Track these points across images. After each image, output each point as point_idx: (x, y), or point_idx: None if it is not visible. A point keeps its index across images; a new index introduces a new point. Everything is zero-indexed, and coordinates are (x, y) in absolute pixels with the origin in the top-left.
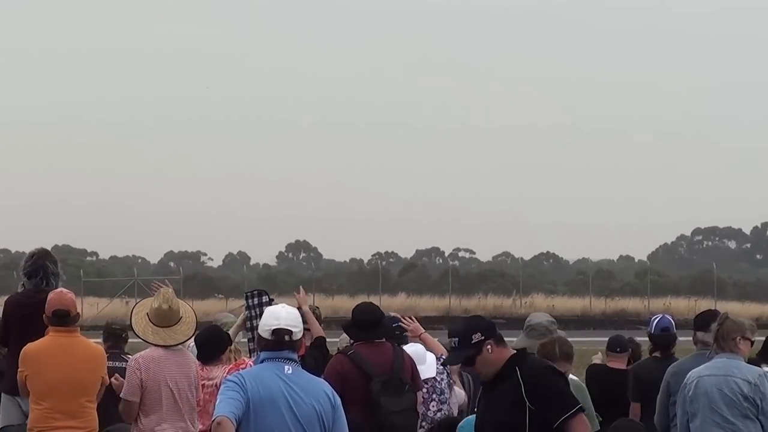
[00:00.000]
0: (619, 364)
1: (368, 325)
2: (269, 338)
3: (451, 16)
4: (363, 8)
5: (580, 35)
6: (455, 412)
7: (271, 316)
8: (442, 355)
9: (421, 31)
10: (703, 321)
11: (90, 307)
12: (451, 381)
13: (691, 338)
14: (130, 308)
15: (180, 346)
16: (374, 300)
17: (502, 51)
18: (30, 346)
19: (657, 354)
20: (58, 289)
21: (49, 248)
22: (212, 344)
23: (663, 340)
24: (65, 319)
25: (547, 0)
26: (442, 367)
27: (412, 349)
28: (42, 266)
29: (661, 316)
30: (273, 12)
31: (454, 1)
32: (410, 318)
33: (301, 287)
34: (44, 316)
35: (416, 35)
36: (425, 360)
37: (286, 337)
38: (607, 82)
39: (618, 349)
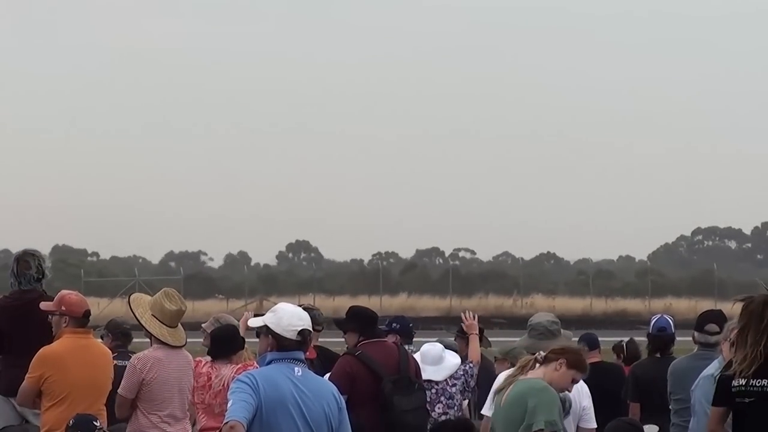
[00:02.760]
0: (591, 359)
1: (375, 321)
2: (294, 338)
3: (456, 17)
4: (368, 9)
5: (577, 39)
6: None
7: (295, 317)
8: (471, 361)
9: (422, 32)
10: (701, 321)
11: (91, 308)
12: (467, 384)
13: (691, 338)
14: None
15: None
16: (375, 300)
17: (501, 54)
18: (49, 349)
19: (657, 354)
20: (73, 291)
21: (50, 248)
22: (228, 342)
23: (659, 339)
24: (89, 320)
25: (551, 2)
26: (461, 372)
27: (429, 347)
28: (23, 267)
29: (659, 316)
30: (275, 13)
31: (458, 3)
32: (472, 315)
33: (246, 312)
34: (66, 317)
35: (417, 37)
36: (442, 361)
37: (308, 338)
38: (607, 83)
39: (587, 348)
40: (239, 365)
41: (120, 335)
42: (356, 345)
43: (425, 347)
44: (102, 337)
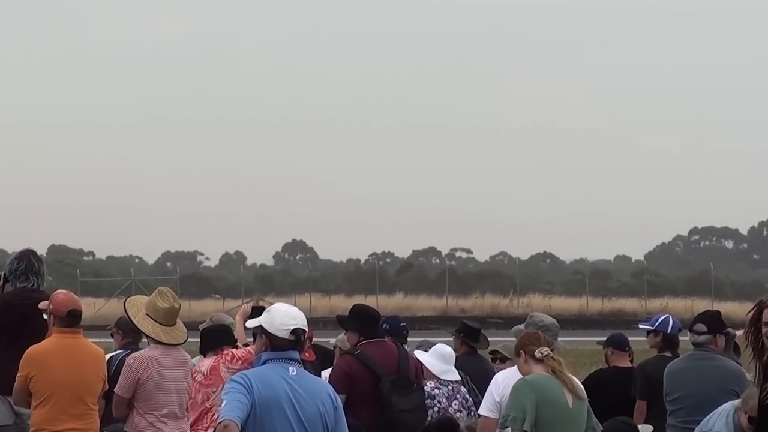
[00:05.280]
0: (624, 362)
1: (377, 321)
2: (288, 338)
3: (452, 15)
4: (365, 8)
5: (574, 36)
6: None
7: (287, 316)
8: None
9: (421, 32)
10: (693, 322)
11: (87, 308)
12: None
13: (686, 338)
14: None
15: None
16: (371, 300)
17: (500, 51)
18: (35, 348)
19: (666, 353)
20: (63, 291)
21: (46, 248)
22: (216, 337)
23: (677, 339)
24: (78, 319)
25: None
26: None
27: (441, 346)
28: (31, 266)
29: (669, 316)
30: (274, 10)
31: (457, 1)
32: None
33: (244, 305)
34: (52, 316)
35: (416, 36)
36: (451, 362)
37: (303, 337)
38: (605, 82)
39: (627, 348)
40: (218, 356)
41: (130, 332)
42: (356, 344)
43: (438, 346)
44: (113, 335)
